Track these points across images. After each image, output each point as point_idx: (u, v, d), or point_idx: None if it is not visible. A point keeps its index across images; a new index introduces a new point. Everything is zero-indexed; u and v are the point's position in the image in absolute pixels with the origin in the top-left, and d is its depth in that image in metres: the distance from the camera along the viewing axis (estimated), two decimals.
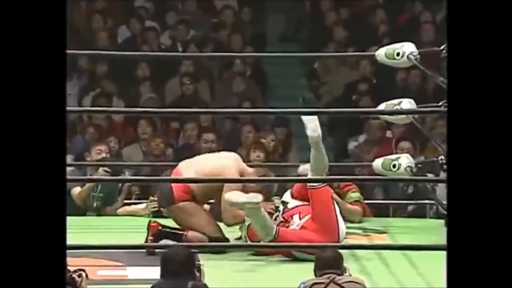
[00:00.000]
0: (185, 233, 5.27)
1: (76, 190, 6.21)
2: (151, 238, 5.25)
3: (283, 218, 5.26)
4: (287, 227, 5.22)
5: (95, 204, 6.26)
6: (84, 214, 6.22)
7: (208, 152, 5.90)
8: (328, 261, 4.14)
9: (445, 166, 5.99)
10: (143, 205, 6.17)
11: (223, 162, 5.33)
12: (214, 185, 5.28)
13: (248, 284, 4.76)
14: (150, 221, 5.33)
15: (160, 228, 5.27)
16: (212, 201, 5.40)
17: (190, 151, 7.34)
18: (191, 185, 5.30)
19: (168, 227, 5.30)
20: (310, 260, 4.35)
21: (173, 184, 5.33)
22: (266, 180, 5.37)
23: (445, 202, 5.71)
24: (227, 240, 5.29)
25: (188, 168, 5.34)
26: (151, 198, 6.09)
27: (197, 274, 4.05)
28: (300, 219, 5.22)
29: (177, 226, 5.36)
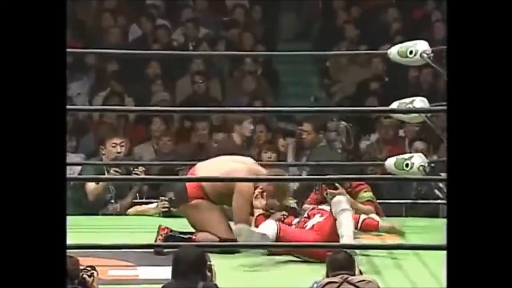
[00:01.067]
0: (194, 236, 5.28)
1: (91, 185, 6.20)
2: (160, 238, 5.26)
3: (308, 214, 5.27)
4: (304, 225, 5.21)
5: (109, 198, 6.26)
6: (96, 213, 6.22)
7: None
8: (341, 263, 4.17)
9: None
10: (153, 205, 6.16)
11: (236, 166, 5.33)
12: (226, 187, 5.28)
13: (259, 284, 4.74)
14: (160, 226, 5.34)
15: (169, 232, 5.27)
16: (226, 207, 5.40)
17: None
18: (204, 184, 5.31)
19: (178, 232, 5.30)
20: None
21: (187, 183, 5.34)
22: (276, 179, 5.33)
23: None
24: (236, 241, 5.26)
25: (204, 168, 5.36)
26: (162, 198, 6.08)
27: (208, 274, 4.03)
28: (320, 216, 5.22)
29: (187, 231, 5.35)
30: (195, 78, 8.45)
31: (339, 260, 4.18)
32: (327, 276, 4.16)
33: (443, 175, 6.30)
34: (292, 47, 8.76)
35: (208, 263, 4.10)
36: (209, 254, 4.53)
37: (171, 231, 5.29)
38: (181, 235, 5.29)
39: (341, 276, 4.10)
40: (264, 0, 9.57)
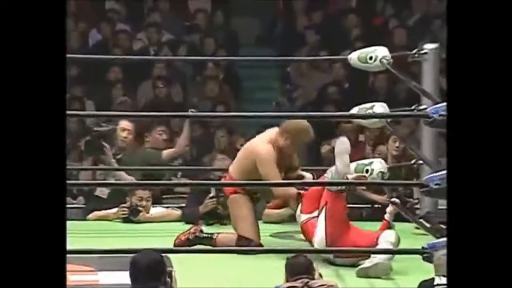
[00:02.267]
0: (215, 237, 5.35)
1: None
2: (181, 239, 5.33)
3: None
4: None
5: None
6: None
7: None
8: (300, 267, 4.17)
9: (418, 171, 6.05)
10: (114, 210, 6.14)
11: (255, 140, 5.40)
12: (247, 161, 5.33)
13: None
14: (192, 225, 5.44)
15: (197, 233, 5.35)
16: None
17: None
18: (231, 172, 5.38)
19: (205, 232, 5.38)
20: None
21: (222, 180, 5.52)
22: (284, 184, 5.33)
23: (418, 206, 5.77)
24: (260, 244, 5.30)
25: (233, 164, 5.47)
26: (122, 204, 6.07)
27: (168, 280, 3.96)
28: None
29: (211, 232, 5.42)
30: (156, 82, 8.44)
31: (298, 264, 4.18)
32: (287, 281, 4.15)
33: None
34: (253, 52, 8.79)
35: (169, 268, 4.02)
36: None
37: (201, 231, 5.36)
38: (205, 236, 5.36)
39: (301, 280, 4.10)
40: (226, 5, 9.59)
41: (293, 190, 5.35)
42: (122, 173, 6.29)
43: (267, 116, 6.75)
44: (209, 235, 5.38)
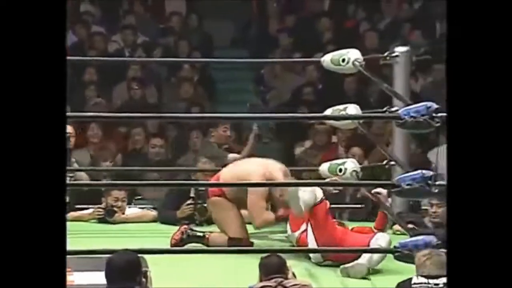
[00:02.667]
0: (207, 236, 5.39)
1: None
2: (176, 239, 5.37)
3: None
4: None
5: None
6: None
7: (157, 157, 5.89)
8: (273, 267, 4.21)
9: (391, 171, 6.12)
10: (89, 211, 6.16)
11: (252, 168, 5.41)
12: (241, 188, 5.36)
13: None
14: (182, 223, 5.46)
15: (188, 230, 5.39)
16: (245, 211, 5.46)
17: (139, 157, 7.38)
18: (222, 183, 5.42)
19: (197, 231, 5.41)
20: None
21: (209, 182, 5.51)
22: (279, 184, 5.36)
23: (388, 205, 5.83)
24: (251, 243, 5.35)
25: (226, 170, 5.48)
26: (98, 206, 6.09)
27: (143, 280, 3.96)
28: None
29: (204, 231, 5.46)
30: (131, 84, 8.47)
31: (271, 264, 4.21)
32: (261, 281, 4.19)
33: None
34: (227, 54, 8.84)
35: (144, 269, 4.03)
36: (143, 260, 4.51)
37: (191, 229, 5.40)
38: (198, 234, 5.40)
39: (275, 280, 4.13)
40: (200, 7, 9.64)
41: (271, 216, 5.39)
42: (82, 173, 6.38)
43: (242, 117, 6.83)
44: (203, 234, 5.42)
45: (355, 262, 5.03)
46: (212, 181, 5.58)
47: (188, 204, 5.93)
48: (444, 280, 4.12)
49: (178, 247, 5.34)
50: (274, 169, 5.43)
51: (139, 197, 6.83)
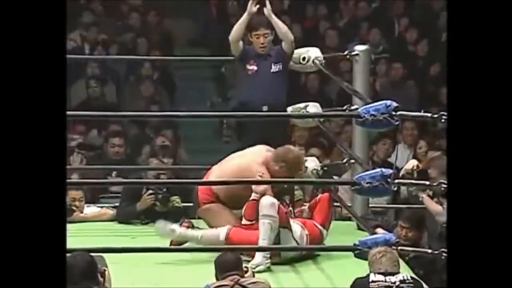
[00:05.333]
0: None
1: None
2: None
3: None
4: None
5: None
6: None
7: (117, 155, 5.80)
8: (229, 264, 4.16)
9: (349, 168, 6.14)
10: None
11: (247, 160, 5.23)
12: (238, 187, 5.19)
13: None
14: (184, 220, 5.35)
15: (190, 227, 5.28)
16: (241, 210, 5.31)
17: (100, 155, 7.33)
18: (214, 188, 5.24)
19: (197, 228, 5.30)
20: None
21: (199, 188, 5.29)
22: (276, 182, 5.27)
23: (349, 204, 5.84)
24: None
25: (216, 170, 5.29)
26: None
27: (101, 279, 3.95)
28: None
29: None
30: (90, 82, 8.39)
31: (227, 261, 4.16)
32: (217, 279, 4.14)
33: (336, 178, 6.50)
34: (188, 53, 8.81)
35: (102, 268, 4.02)
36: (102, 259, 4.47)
37: (193, 226, 5.28)
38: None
39: (231, 278, 4.08)
40: (160, 5, 9.58)
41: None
42: None
43: (202, 116, 6.79)
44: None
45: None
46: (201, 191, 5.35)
47: (150, 194, 5.84)
48: (400, 277, 4.17)
49: (179, 245, 5.22)
50: (263, 152, 5.29)
51: (103, 195, 6.77)
